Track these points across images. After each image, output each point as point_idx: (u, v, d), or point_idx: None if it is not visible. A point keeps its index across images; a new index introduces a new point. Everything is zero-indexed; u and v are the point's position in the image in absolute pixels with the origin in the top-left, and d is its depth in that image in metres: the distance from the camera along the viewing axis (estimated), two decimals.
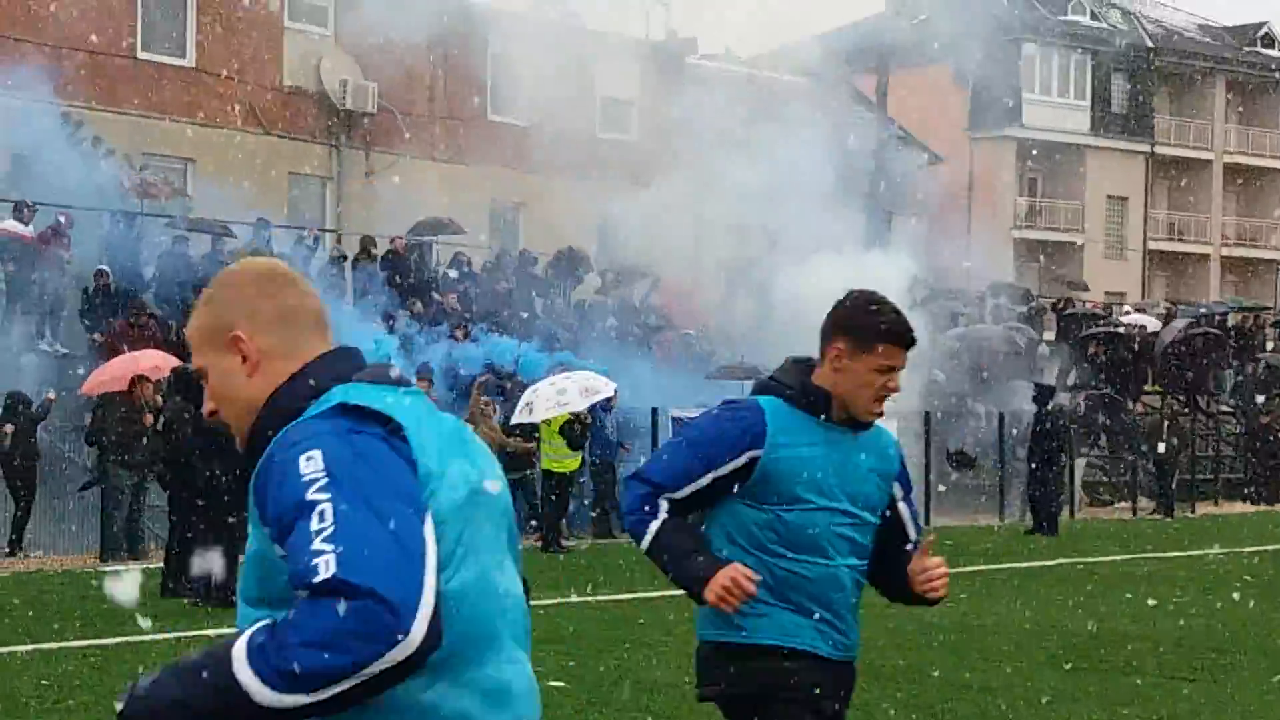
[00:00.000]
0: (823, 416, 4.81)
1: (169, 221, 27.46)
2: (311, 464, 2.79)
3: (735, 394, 28.47)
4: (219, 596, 15.26)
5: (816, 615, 4.77)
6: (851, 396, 4.83)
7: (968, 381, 33.37)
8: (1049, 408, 27.72)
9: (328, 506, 2.71)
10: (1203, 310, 44.67)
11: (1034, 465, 27.59)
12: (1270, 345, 44.45)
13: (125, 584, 14.33)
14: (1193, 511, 34.29)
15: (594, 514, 25.65)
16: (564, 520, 23.59)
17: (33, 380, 22.31)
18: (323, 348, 3.16)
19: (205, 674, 2.74)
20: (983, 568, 20.67)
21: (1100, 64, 59.54)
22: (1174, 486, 32.96)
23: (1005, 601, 16.84)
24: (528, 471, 24.74)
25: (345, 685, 2.63)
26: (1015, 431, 31.01)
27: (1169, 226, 62.18)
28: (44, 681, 11.08)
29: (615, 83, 39.39)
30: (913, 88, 51.64)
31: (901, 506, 5.06)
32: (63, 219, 25.46)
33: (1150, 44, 61.18)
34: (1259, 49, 64.28)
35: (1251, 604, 17.00)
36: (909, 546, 5.12)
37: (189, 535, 15.97)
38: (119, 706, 2.82)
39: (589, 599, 16.67)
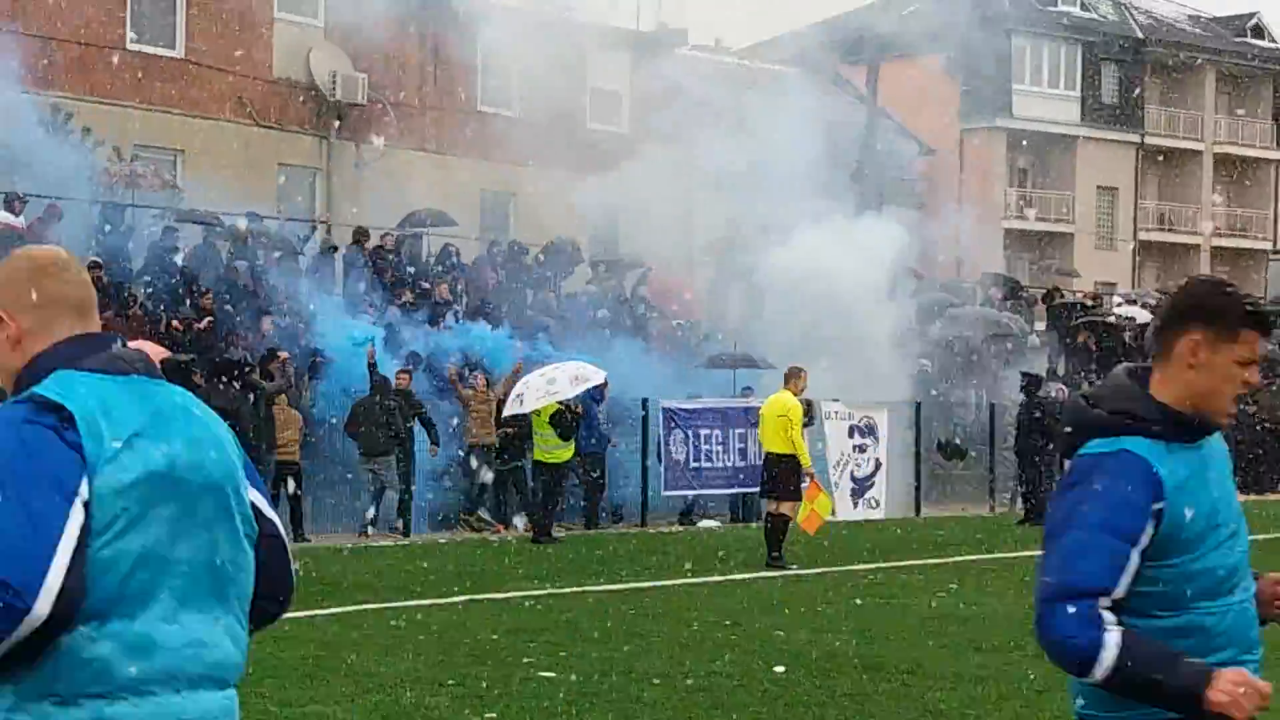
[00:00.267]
0: (1196, 440, 4.09)
1: (158, 213, 27.41)
2: None
3: (725, 383, 28.53)
4: None
5: (1250, 665, 4.02)
6: (1210, 397, 4.09)
7: (957, 370, 33.38)
8: (1037, 397, 27.75)
9: None
10: None
11: (1022, 455, 27.62)
12: None
13: None
14: None
15: (584, 504, 25.66)
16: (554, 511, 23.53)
17: None
18: (73, 333, 3.52)
19: None
20: (973, 558, 20.71)
21: (1090, 55, 59.57)
22: None
23: (996, 592, 16.86)
24: (519, 462, 24.75)
25: None
26: (1007, 420, 31.02)
27: (1159, 217, 62.26)
28: None
29: (605, 74, 39.37)
30: (903, 79, 51.64)
31: None
32: (52, 209, 25.40)
33: (1140, 34, 61.22)
34: (1249, 39, 64.35)
35: None
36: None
37: None
38: None
39: (579, 590, 16.68)
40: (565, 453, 22.93)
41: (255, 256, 27.11)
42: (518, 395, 22.90)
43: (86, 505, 3.28)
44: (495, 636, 13.02)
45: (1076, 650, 3.88)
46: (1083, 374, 35.86)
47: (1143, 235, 61.12)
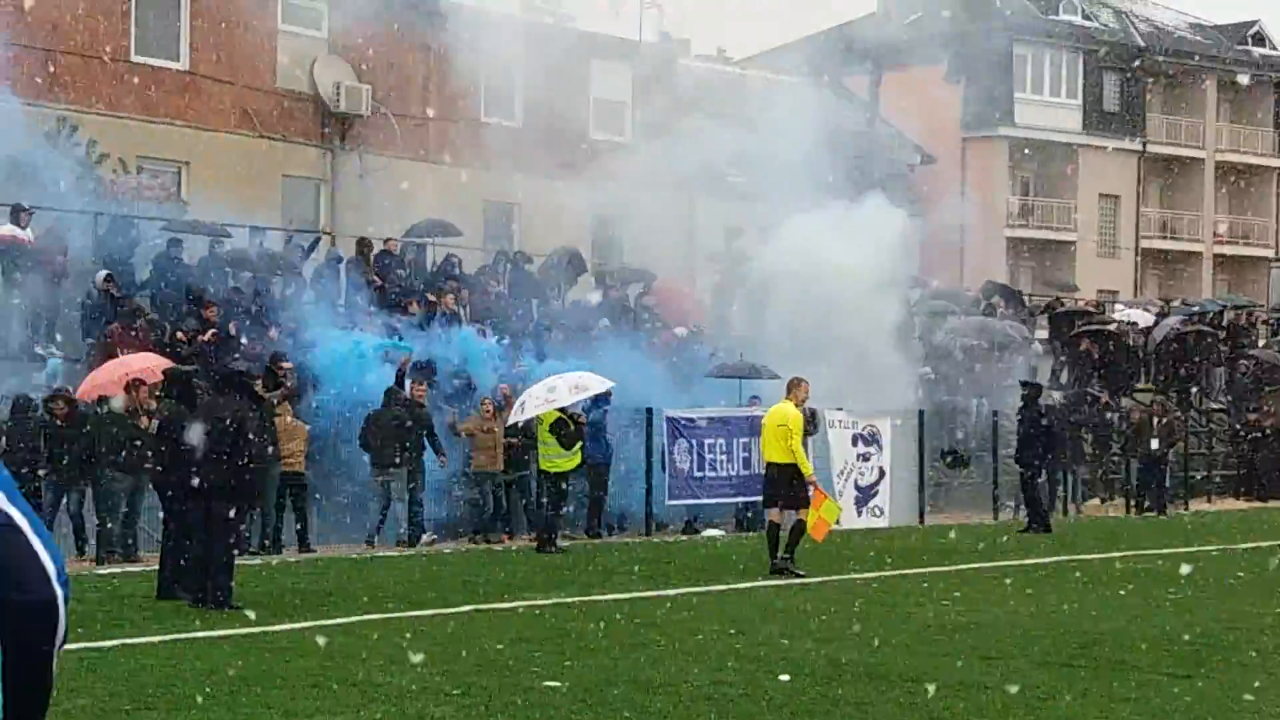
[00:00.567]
0: None
1: (164, 225, 27.45)
2: None
3: (731, 393, 28.55)
4: (215, 599, 15.28)
5: None
6: None
7: (960, 379, 33.40)
8: (1037, 405, 27.76)
9: None
10: (1195, 308, 44.74)
11: (1022, 464, 27.63)
12: (1262, 342, 44.54)
13: None
14: (1186, 509, 34.37)
15: (587, 514, 25.67)
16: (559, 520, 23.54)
17: (29, 386, 22.29)
18: None
19: None
20: (977, 566, 20.72)
21: (1092, 63, 59.62)
22: (1165, 484, 32.99)
23: (1000, 600, 16.88)
24: (523, 472, 24.80)
25: None
26: (1008, 428, 31.04)
27: (1161, 225, 62.27)
28: None
29: (608, 84, 39.43)
30: (905, 88, 51.71)
31: None
32: (56, 224, 25.46)
33: (1141, 43, 61.25)
34: (1250, 47, 64.37)
35: (1246, 601, 17.05)
36: None
37: (184, 537, 15.98)
38: None
39: (584, 599, 16.70)
40: (569, 462, 22.93)
41: (259, 268, 27.15)
42: (520, 403, 23.02)
43: None
44: (500, 646, 13.05)
45: None
46: (1081, 382, 35.91)
47: (1145, 243, 61.13)
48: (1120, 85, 60.60)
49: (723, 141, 33.78)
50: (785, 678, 11.69)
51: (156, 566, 16.84)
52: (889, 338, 31.22)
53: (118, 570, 19.28)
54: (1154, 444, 32.44)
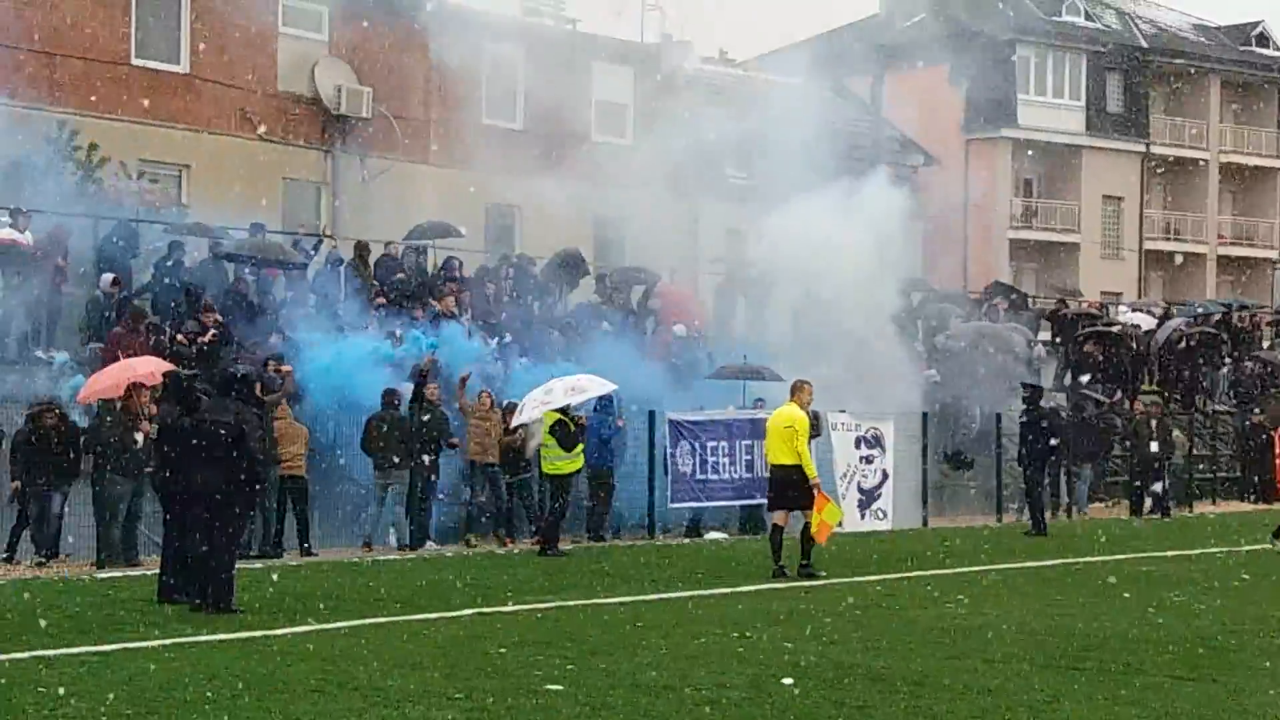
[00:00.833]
0: None
1: (165, 228, 27.42)
2: None
3: (733, 394, 28.46)
4: (216, 602, 15.22)
5: None
6: None
7: (963, 381, 33.33)
8: (1039, 408, 27.71)
9: None
10: (1199, 309, 44.66)
11: (1024, 466, 27.58)
12: (1266, 344, 44.47)
13: None
14: (1190, 511, 34.30)
15: (586, 517, 25.61)
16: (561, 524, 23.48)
17: (30, 390, 22.26)
18: None
19: None
20: (980, 569, 20.66)
21: (1095, 64, 59.57)
22: (1167, 486, 32.94)
23: (1003, 603, 16.83)
24: (524, 475, 24.75)
25: None
26: (1013, 430, 30.97)
27: (1165, 226, 62.20)
28: (42, 688, 11.06)
29: (609, 86, 39.40)
30: (907, 89, 51.69)
31: None
32: (60, 229, 25.42)
33: (1145, 44, 61.21)
34: (1254, 48, 64.32)
35: (1250, 603, 16.99)
36: None
37: (184, 541, 15.92)
38: None
39: (586, 602, 16.65)
40: (570, 464, 22.86)
41: (262, 258, 27.09)
42: (520, 407, 23.01)
43: None
44: (503, 650, 13.00)
45: None
46: (1086, 384, 35.83)
47: (1149, 245, 61.07)
48: (1123, 86, 60.55)
49: (725, 142, 33.75)
50: (788, 681, 11.64)
51: (157, 570, 16.78)
52: (892, 338, 31.18)
53: (118, 574, 19.23)
54: (1153, 446, 32.38)
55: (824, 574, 19.36)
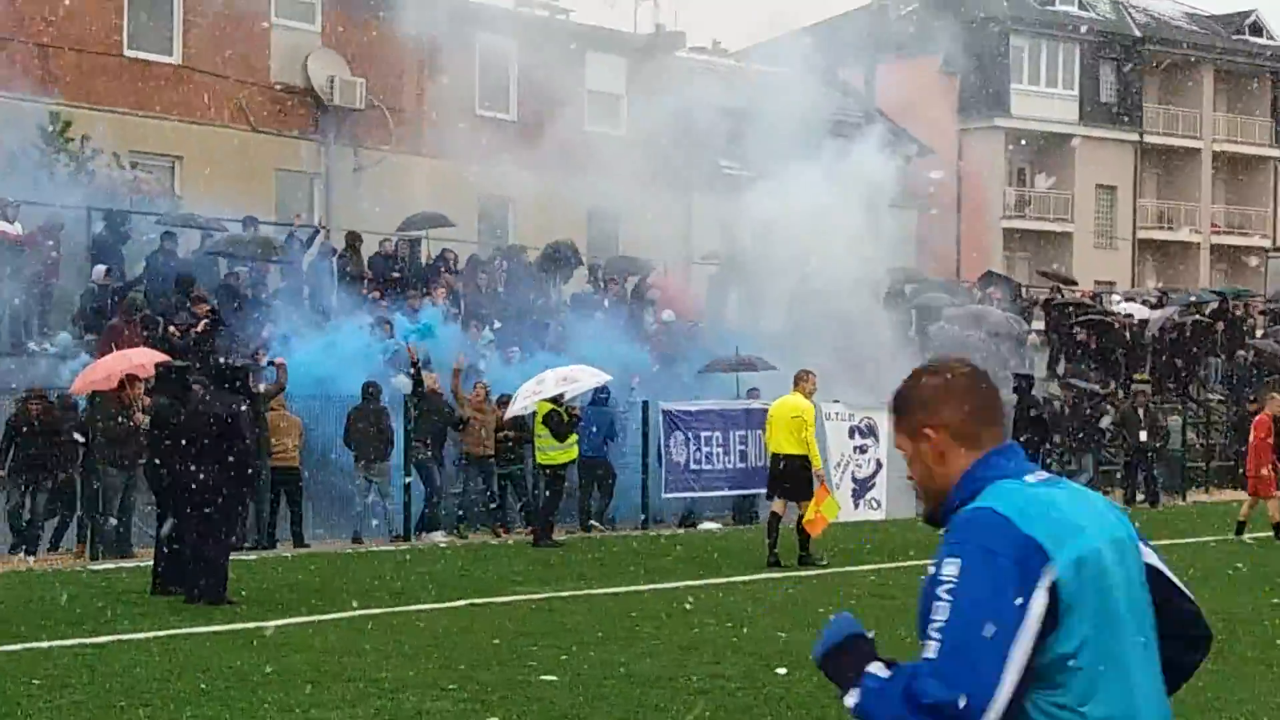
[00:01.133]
0: None
1: (157, 219, 27.38)
2: None
3: (724, 385, 28.38)
4: (210, 594, 15.22)
5: None
6: None
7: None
8: (1030, 397, 27.74)
9: None
10: (1191, 298, 44.69)
11: None
12: (1260, 332, 44.49)
13: None
14: (1184, 499, 34.33)
15: (578, 508, 25.61)
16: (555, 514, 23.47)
17: (24, 381, 22.24)
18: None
19: None
20: None
21: (1088, 53, 59.57)
22: (1155, 475, 32.97)
23: None
24: (518, 466, 24.75)
25: None
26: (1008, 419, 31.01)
27: (1158, 215, 62.24)
28: (35, 681, 11.06)
29: (602, 77, 39.37)
30: (901, 79, 51.66)
31: None
32: (54, 220, 25.40)
33: (1138, 33, 61.21)
34: (1247, 36, 64.33)
35: (1245, 591, 17.01)
36: None
37: (178, 533, 15.92)
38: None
39: (580, 593, 16.66)
40: (564, 455, 22.87)
41: (254, 254, 27.07)
42: (514, 398, 23.02)
43: None
44: (497, 641, 13.01)
45: None
46: (1077, 373, 35.86)
47: (1142, 234, 61.09)
48: (1117, 75, 60.54)
49: (716, 130, 33.70)
50: (782, 671, 11.65)
51: (151, 562, 16.78)
52: (885, 326, 31.16)
53: (111, 566, 19.23)
54: (1143, 435, 32.41)
55: (825, 561, 19.38)
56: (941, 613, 3.41)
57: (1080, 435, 33.37)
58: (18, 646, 12.59)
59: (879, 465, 28.93)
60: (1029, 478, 3.58)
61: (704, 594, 16.75)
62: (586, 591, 16.80)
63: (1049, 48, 58.69)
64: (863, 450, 28.72)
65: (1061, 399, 33.53)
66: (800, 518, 19.66)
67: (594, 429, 24.82)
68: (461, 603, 15.66)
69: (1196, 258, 62.06)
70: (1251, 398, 38.04)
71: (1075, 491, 3.62)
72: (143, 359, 20.64)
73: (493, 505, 24.76)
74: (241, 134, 33.73)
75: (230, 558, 16.03)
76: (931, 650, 3.38)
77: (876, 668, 3.50)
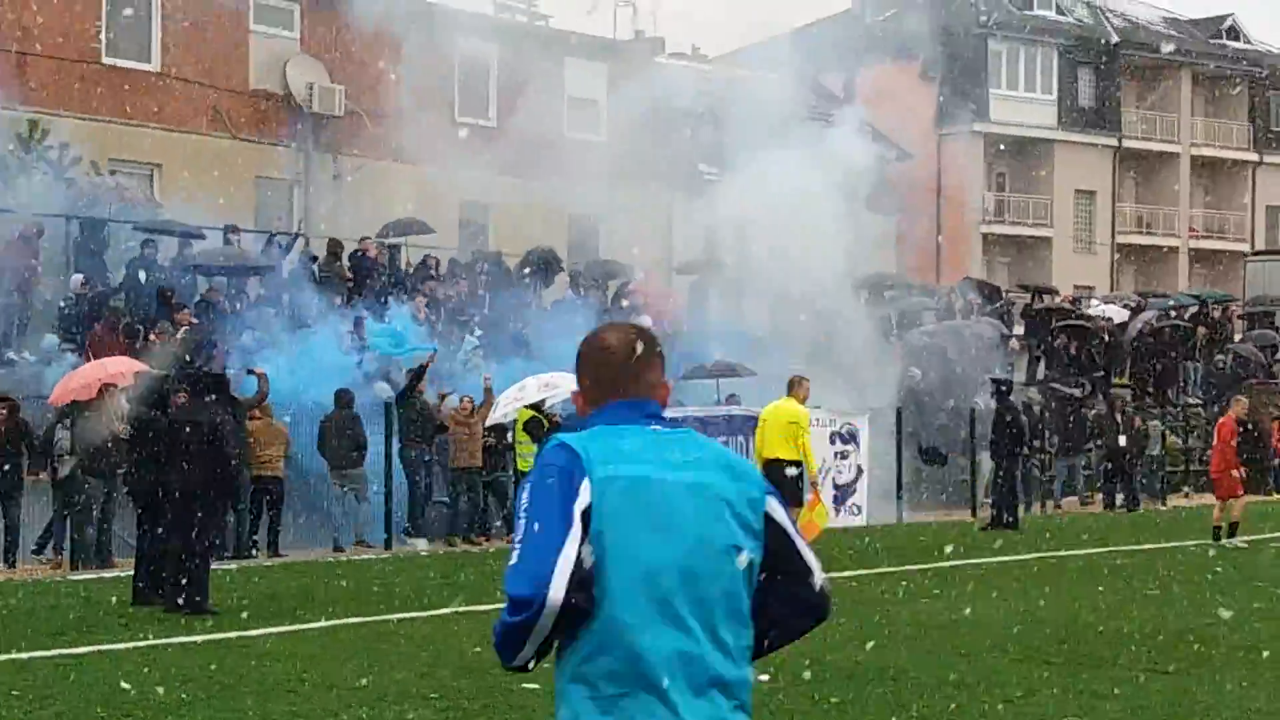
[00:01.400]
0: None
1: (136, 226, 27.32)
2: None
3: (709, 394, 28.40)
4: (191, 603, 15.18)
5: None
6: None
7: (941, 377, 33.38)
8: (1007, 402, 27.79)
9: None
10: (1171, 302, 44.80)
11: (996, 460, 27.68)
12: (1238, 336, 44.63)
13: None
14: (1164, 504, 34.40)
15: None
16: None
17: (8, 389, 22.17)
18: None
19: None
20: (955, 563, 20.69)
21: (1066, 58, 59.71)
22: (1134, 480, 33.03)
23: (979, 597, 16.86)
24: (499, 474, 24.72)
25: None
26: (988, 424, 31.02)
27: (1137, 220, 62.39)
28: (15, 691, 11.02)
29: (582, 83, 39.36)
30: (880, 84, 51.68)
31: None
32: (29, 226, 25.33)
33: (1116, 38, 61.36)
34: (1225, 41, 64.52)
35: (1224, 595, 17.04)
36: None
37: (158, 542, 15.88)
38: None
39: None
40: None
41: (232, 268, 27.05)
42: (495, 405, 23.03)
43: None
44: (479, 649, 12.98)
45: None
46: (1055, 378, 35.93)
47: (1121, 238, 61.24)
48: (1095, 80, 60.69)
49: (697, 136, 33.71)
50: (765, 677, 11.64)
51: (131, 572, 16.73)
52: (865, 331, 31.17)
53: (91, 576, 19.16)
54: (1122, 440, 32.47)
55: None
56: (518, 532, 3.93)
57: (1068, 442, 33.45)
58: None
59: (860, 471, 28.94)
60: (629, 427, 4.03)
61: None
62: None
63: (1027, 52, 58.82)
64: (844, 456, 28.72)
65: (1041, 404, 33.58)
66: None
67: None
68: (444, 611, 15.64)
69: (1175, 262, 62.21)
70: (1231, 402, 38.15)
71: (662, 437, 4.03)
72: (121, 368, 20.59)
73: (479, 510, 24.75)
74: (220, 141, 33.67)
75: (212, 567, 15.99)
76: (511, 559, 3.91)
77: None
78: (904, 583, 18.44)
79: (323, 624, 14.62)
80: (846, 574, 19.58)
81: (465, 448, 24.28)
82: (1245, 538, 23.87)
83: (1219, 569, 20.11)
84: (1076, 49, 59.90)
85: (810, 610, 4.27)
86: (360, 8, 31.95)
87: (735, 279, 31.83)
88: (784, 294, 30.76)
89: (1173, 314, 42.36)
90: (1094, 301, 45.53)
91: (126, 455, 18.05)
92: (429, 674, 11.80)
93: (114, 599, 16.33)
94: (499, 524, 24.86)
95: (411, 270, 31.01)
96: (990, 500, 28.12)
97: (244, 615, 15.10)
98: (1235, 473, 24.15)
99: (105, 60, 32.43)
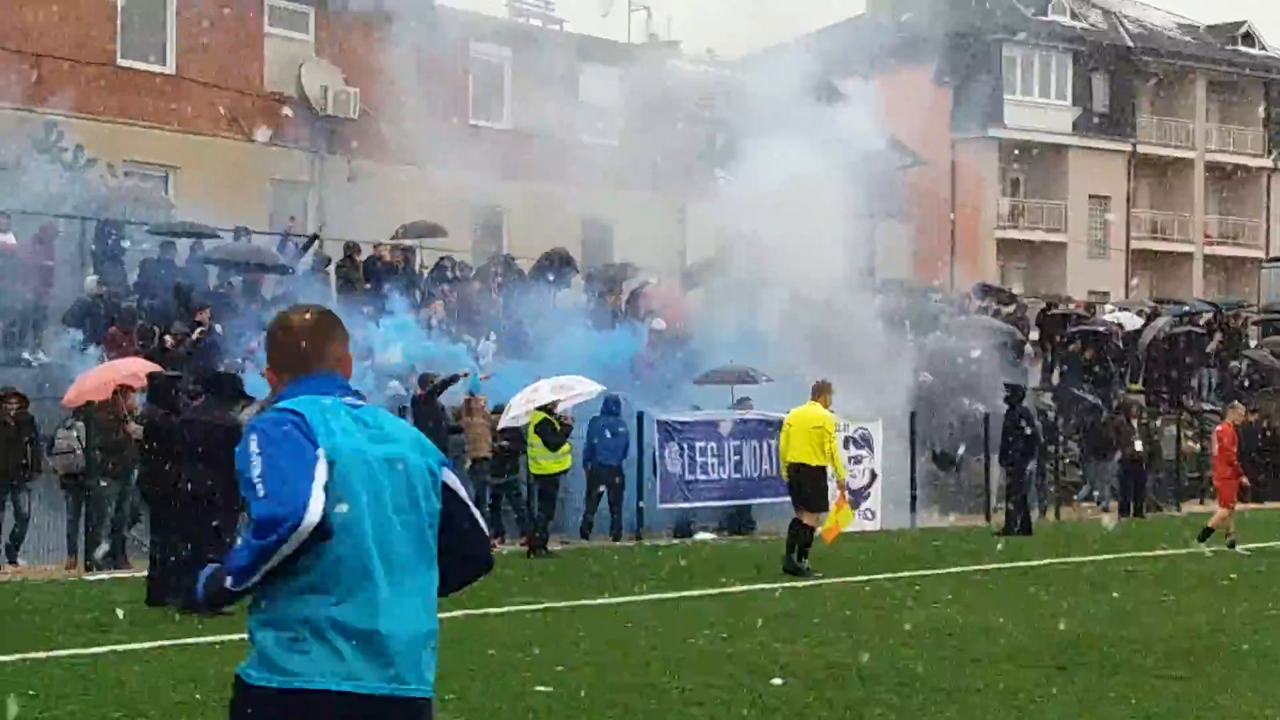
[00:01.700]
0: None
1: (150, 228, 27.37)
2: None
3: (723, 398, 28.46)
4: (205, 604, 15.17)
5: None
6: None
7: (952, 381, 33.32)
8: (1020, 408, 27.76)
9: None
10: (1185, 309, 44.72)
11: (1007, 466, 27.64)
12: (1253, 343, 44.54)
13: None
14: (1178, 510, 34.32)
15: (583, 518, 25.60)
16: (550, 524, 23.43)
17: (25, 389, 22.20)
18: None
19: None
20: (966, 569, 20.68)
21: (1081, 64, 59.64)
22: (1146, 486, 32.97)
23: (990, 603, 16.85)
24: (512, 477, 24.72)
25: None
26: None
27: (1151, 225, 62.29)
28: (31, 691, 11.04)
29: (596, 87, 39.37)
30: (894, 90, 51.62)
31: None
32: (47, 228, 25.40)
33: (1131, 43, 61.29)
34: (1239, 47, 64.43)
35: (1236, 603, 17.02)
36: None
37: (172, 543, 15.90)
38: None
39: (575, 603, 16.65)
40: (557, 464, 22.85)
41: (248, 264, 27.07)
42: (508, 407, 23.01)
43: None
44: (491, 651, 12.99)
45: None
46: (1071, 385, 35.88)
47: (1135, 244, 61.14)
48: (1110, 86, 60.62)
49: (711, 139, 33.70)
50: (778, 681, 11.65)
51: (145, 573, 16.76)
52: (880, 334, 31.12)
53: (106, 576, 19.19)
54: (1137, 446, 32.41)
55: (819, 573, 19.35)
56: (255, 470, 4.36)
57: (1096, 448, 33.40)
58: (13, 657, 12.56)
59: (874, 476, 28.92)
60: (325, 399, 4.60)
61: (698, 605, 16.75)
62: (582, 602, 16.79)
63: (1041, 58, 58.77)
64: (857, 461, 28.69)
65: (1054, 410, 33.54)
66: (794, 522, 19.66)
67: (608, 434, 24.85)
68: (455, 613, 15.63)
69: (1189, 268, 62.11)
70: (1253, 409, 38.11)
71: (356, 413, 4.69)
72: (134, 368, 20.63)
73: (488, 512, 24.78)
74: (235, 144, 33.72)
75: None
76: (259, 492, 4.32)
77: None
78: (917, 587, 18.43)
79: None
80: (860, 578, 19.58)
81: (476, 447, 24.26)
82: (1217, 546, 23.67)
83: (1232, 575, 20.08)
84: (1091, 55, 59.83)
85: (477, 565, 5.08)
86: (375, 11, 32.02)
87: (747, 281, 31.76)
88: (796, 296, 30.71)
89: (1186, 320, 42.28)
90: (1108, 307, 45.46)
91: (139, 456, 18.07)
92: (441, 677, 11.74)
93: (128, 599, 16.36)
94: (515, 527, 24.90)
95: (427, 273, 31.03)
96: (1007, 505, 28.05)
97: None
98: (1237, 480, 24.08)
99: (120, 63, 32.50)
